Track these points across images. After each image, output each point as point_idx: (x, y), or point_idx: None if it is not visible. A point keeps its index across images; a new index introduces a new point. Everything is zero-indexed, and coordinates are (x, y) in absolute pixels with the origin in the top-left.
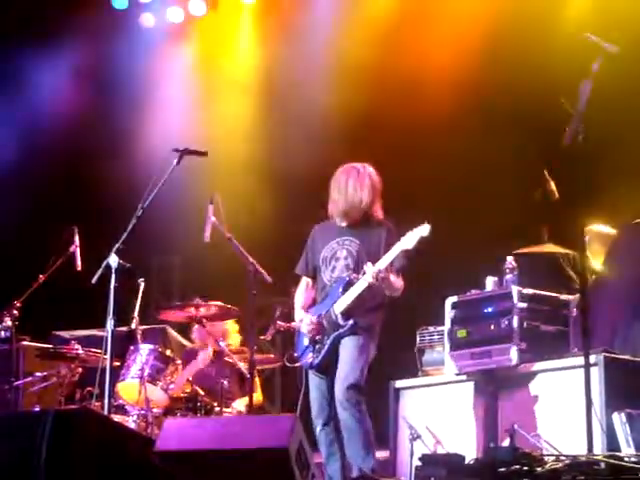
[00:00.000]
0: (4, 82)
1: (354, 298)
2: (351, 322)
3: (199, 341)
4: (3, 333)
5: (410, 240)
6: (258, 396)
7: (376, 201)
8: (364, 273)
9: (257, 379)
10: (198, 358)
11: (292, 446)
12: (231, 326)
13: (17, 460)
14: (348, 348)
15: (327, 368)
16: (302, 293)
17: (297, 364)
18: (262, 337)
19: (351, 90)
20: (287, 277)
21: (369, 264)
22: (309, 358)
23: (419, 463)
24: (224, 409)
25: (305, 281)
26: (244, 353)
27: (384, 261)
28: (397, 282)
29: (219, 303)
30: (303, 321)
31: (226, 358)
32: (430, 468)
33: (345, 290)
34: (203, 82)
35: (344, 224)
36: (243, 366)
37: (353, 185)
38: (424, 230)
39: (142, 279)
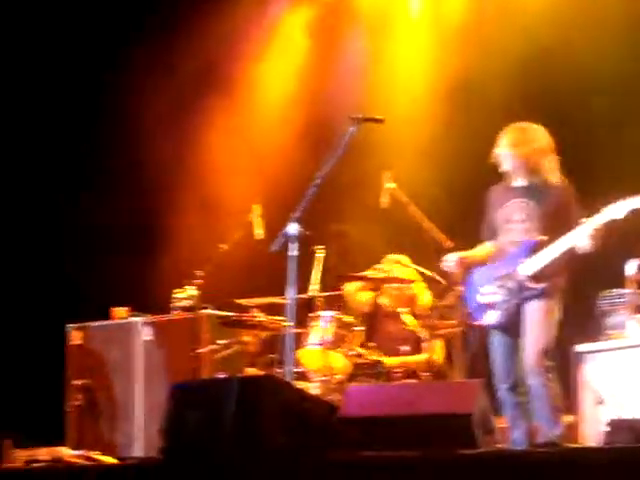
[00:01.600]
0: None
1: (545, 260)
2: (539, 285)
3: (382, 306)
4: (186, 302)
5: (620, 209)
6: (439, 355)
7: (548, 161)
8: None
9: (438, 342)
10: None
11: (475, 411)
12: (419, 289)
13: (206, 427)
14: (536, 312)
15: (510, 330)
16: (481, 255)
17: (477, 326)
18: (442, 301)
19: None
20: (464, 242)
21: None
22: (490, 319)
23: (606, 428)
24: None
25: (488, 245)
26: (428, 318)
27: (593, 224)
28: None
29: (397, 268)
30: (479, 282)
31: (406, 323)
32: (619, 433)
33: (530, 252)
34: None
35: (520, 185)
36: (422, 331)
37: (523, 144)
38: (638, 202)
39: (321, 246)
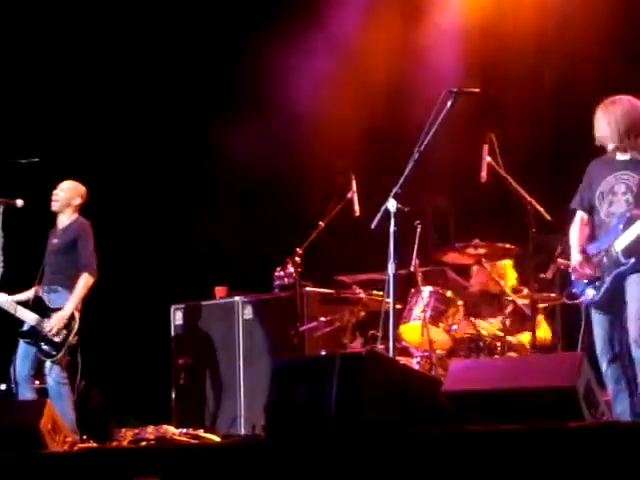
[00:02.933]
0: None
1: (636, 236)
2: (633, 259)
3: (480, 282)
4: (287, 280)
5: None
6: (545, 333)
7: None
8: None
9: (541, 317)
10: None
11: (580, 384)
12: (508, 267)
13: (309, 404)
14: (636, 285)
15: (609, 305)
16: (577, 229)
17: (577, 301)
18: (542, 275)
19: None
20: (567, 214)
21: None
22: (590, 295)
23: None
24: (508, 338)
25: (580, 215)
26: (521, 292)
27: None
28: None
29: (498, 243)
30: (578, 265)
31: (507, 298)
32: None
33: (626, 227)
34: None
35: (622, 158)
36: (523, 304)
37: (617, 120)
38: None
39: (419, 221)
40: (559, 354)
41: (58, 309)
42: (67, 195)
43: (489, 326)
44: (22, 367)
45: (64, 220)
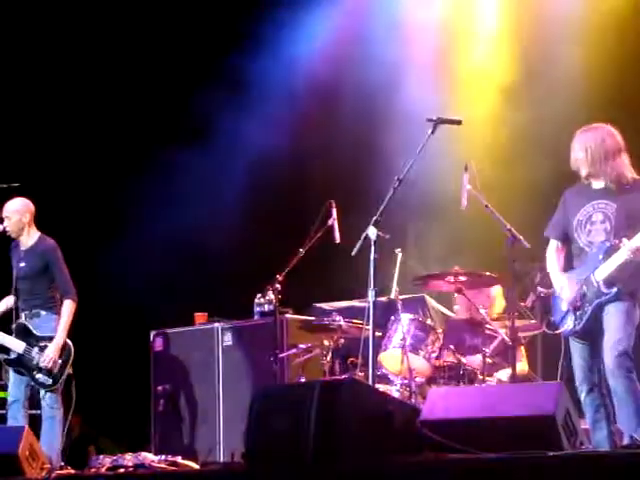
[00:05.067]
0: None
1: (616, 266)
2: (615, 289)
3: (461, 310)
4: (267, 306)
5: None
6: (523, 365)
7: (622, 160)
8: (623, 240)
9: (522, 348)
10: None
11: (559, 413)
12: (497, 293)
13: (290, 429)
14: (614, 315)
15: (589, 334)
16: (554, 256)
17: (557, 331)
18: (522, 303)
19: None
20: (546, 243)
21: (625, 241)
22: (570, 325)
23: None
24: (487, 378)
25: (554, 244)
26: (504, 320)
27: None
28: None
29: (478, 270)
30: (564, 287)
31: (487, 326)
32: None
33: (606, 256)
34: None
35: (598, 187)
36: (504, 333)
37: (593, 147)
38: None
39: (399, 249)
40: (538, 383)
41: (47, 337)
42: (16, 219)
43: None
44: (15, 393)
45: (26, 241)
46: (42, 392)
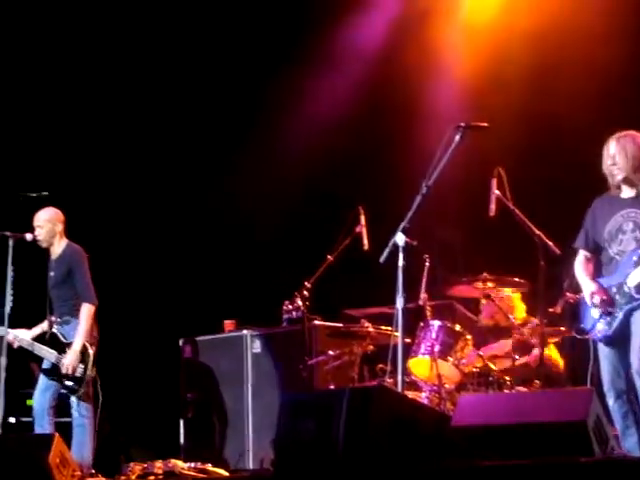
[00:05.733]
0: None
1: None
2: None
3: (488, 316)
4: (295, 314)
5: None
6: (556, 356)
7: None
8: None
9: (553, 348)
10: (498, 344)
11: (590, 419)
12: (516, 300)
13: (319, 435)
14: None
15: (618, 340)
16: (582, 266)
17: (587, 336)
18: (551, 309)
19: None
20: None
21: None
22: (599, 330)
23: None
24: (515, 384)
25: (583, 254)
26: (530, 324)
27: None
28: None
29: (506, 276)
30: (594, 293)
31: (515, 332)
32: None
33: (638, 263)
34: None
35: (628, 195)
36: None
37: (631, 152)
38: None
39: (427, 255)
40: (569, 389)
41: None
42: (47, 229)
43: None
44: (41, 400)
45: (56, 250)
46: (73, 399)
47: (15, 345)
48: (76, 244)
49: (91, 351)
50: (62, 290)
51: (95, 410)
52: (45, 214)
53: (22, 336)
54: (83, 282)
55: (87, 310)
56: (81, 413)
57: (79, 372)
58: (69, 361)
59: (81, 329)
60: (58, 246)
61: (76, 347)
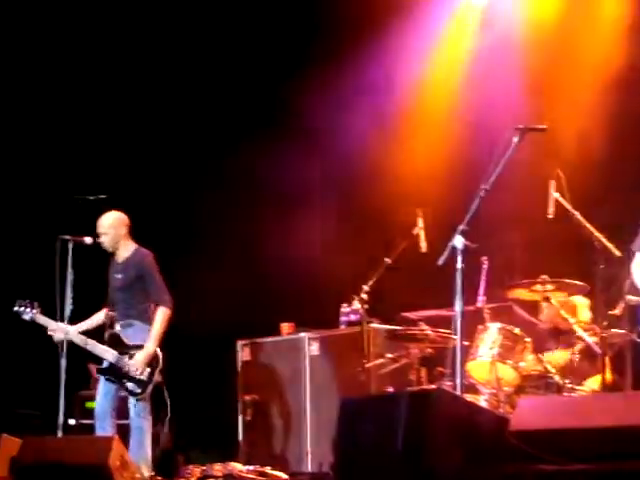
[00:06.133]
0: None
1: None
2: None
3: (548, 318)
4: (353, 316)
5: None
6: (607, 375)
7: None
8: None
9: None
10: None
11: None
12: (580, 302)
13: (378, 440)
14: None
15: None
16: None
17: None
18: (611, 312)
19: None
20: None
21: None
22: None
23: None
24: (575, 387)
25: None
26: (593, 330)
27: None
28: None
29: (566, 279)
30: None
31: (576, 335)
32: None
33: None
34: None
35: None
36: (593, 342)
37: None
38: None
39: (485, 257)
40: (631, 392)
41: (138, 346)
42: (111, 235)
43: (555, 356)
44: (103, 402)
45: (122, 253)
46: (131, 400)
47: (65, 339)
48: (144, 247)
49: (160, 356)
50: (129, 293)
51: (162, 416)
52: (107, 220)
53: (73, 332)
54: (156, 286)
55: (163, 314)
56: (138, 414)
57: (145, 375)
58: (139, 361)
59: (155, 332)
60: (124, 250)
61: (149, 349)
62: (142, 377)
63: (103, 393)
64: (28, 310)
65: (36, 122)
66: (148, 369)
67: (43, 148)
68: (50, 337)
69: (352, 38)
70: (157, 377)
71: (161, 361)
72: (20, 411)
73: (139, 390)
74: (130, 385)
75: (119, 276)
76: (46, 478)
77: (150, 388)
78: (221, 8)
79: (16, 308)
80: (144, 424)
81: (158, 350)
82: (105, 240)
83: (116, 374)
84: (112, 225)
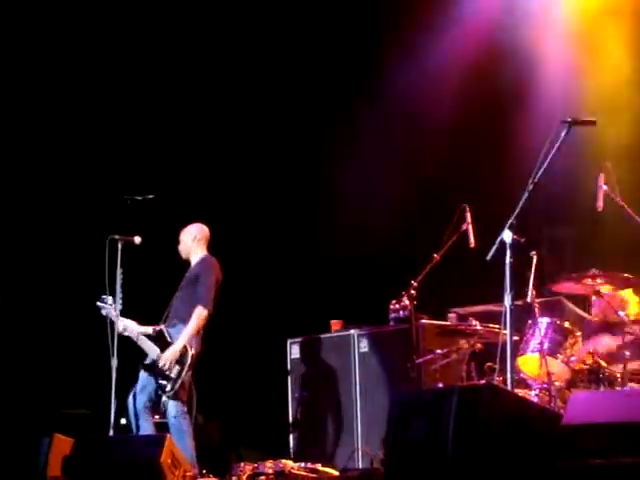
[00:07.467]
0: None
1: None
2: None
3: (599, 312)
4: (402, 312)
5: None
6: None
7: None
8: None
9: None
10: (602, 341)
11: None
12: (630, 296)
13: (429, 434)
14: None
15: None
16: None
17: None
18: None
19: None
20: None
21: None
22: None
23: None
24: (627, 381)
25: None
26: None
27: None
28: None
29: (616, 273)
30: None
31: (627, 329)
32: None
33: None
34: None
35: None
36: None
37: None
38: None
39: (534, 252)
40: None
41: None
42: (186, 243)
43: (605, 350)
44: (140, 399)
45: (192, 261)
46: (164, 399)
47: (123, 333)
48: (212, 257)
49: (191, 353)
50: (184, 294)
51: (190, 412)
52: (186, 229)
53: (132, 327)
54: (204, 286)
55: (199, 312)
56: (173, 415)
57: (174, 372)
58: (167, 356)
59: (187, 329)
60: (194, 258)
61: (178, 345)
62: (172, 374)
63: (140, 389)
64: (107, 306)
65: (87, 123)
66: (177, 366)
67: (94, 149)
68: (101, 333)
69: None
70: (185, 375)
71: (190, 359)
72: (72, 411)
73: (169, 387)
74: (162, 382)
75: (183, 281)
76: (99, 477)
77: (179, 385)
78: None
79: (98, 303)
80: (181, 424)
81: (189, 347)
82: (179, 248)
83: (155, 371)
84: (185, 233)
